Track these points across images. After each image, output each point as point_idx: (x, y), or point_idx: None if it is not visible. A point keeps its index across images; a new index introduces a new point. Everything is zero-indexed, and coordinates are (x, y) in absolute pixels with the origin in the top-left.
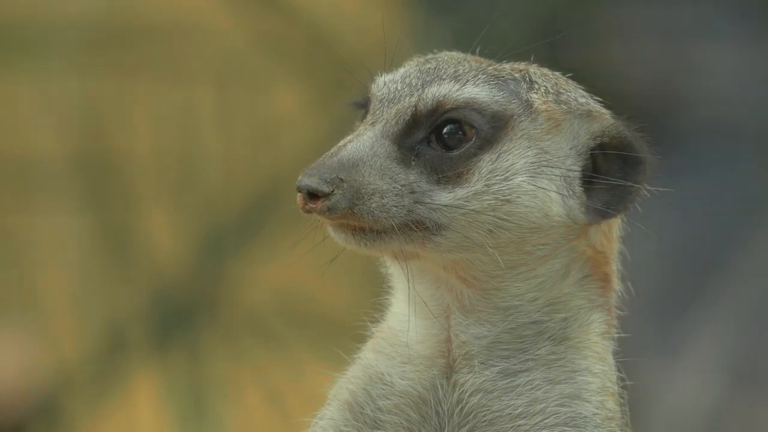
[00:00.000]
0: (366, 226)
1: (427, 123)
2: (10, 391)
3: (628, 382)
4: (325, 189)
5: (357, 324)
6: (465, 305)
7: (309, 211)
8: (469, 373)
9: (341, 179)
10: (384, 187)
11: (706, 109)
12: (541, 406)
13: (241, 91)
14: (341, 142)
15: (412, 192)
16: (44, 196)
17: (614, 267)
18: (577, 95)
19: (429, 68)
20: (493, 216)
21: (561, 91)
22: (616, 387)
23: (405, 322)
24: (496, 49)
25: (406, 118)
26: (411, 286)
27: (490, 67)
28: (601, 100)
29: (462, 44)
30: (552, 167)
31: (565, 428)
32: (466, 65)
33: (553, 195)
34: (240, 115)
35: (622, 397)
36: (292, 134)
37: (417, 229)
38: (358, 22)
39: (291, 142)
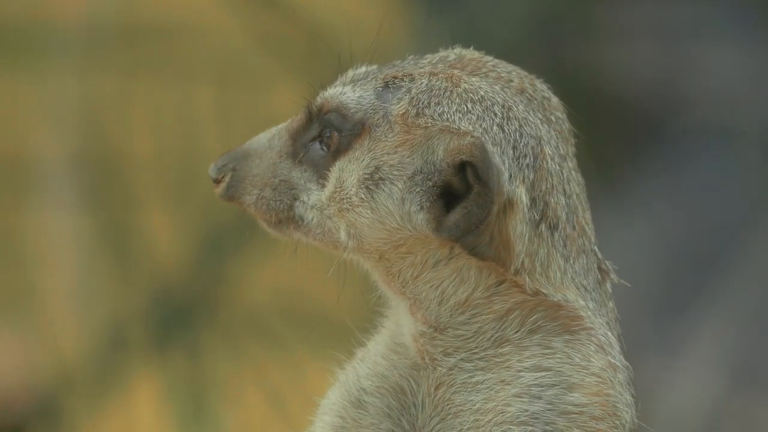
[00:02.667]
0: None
1: (317, 122)
2: (10, 391)
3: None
4: (214, 175)
5: (357, 324)
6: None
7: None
8: (437, 368)
9: (233, 168)
10: (264, 180)
11: (706, 109)
12: (493, 404)
13: (241, 91)
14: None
15: (292, 188)
16: (44, 195)
17: (524, 277)
18: (453, 110)
19: (369, 70)
20: (343, 222)
21: (434, 103)
22: (588, 379)
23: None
24: (496, 49)
25: (304, 116)
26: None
27: (394, 72)
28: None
29: (461, 44)
30: (392, 181)
31: (511, 426)
32: (388, 70)
33: (390, 207)
34: (240, 115)
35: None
36: None
37: (299, 226)
38: (358, 22)
39: None
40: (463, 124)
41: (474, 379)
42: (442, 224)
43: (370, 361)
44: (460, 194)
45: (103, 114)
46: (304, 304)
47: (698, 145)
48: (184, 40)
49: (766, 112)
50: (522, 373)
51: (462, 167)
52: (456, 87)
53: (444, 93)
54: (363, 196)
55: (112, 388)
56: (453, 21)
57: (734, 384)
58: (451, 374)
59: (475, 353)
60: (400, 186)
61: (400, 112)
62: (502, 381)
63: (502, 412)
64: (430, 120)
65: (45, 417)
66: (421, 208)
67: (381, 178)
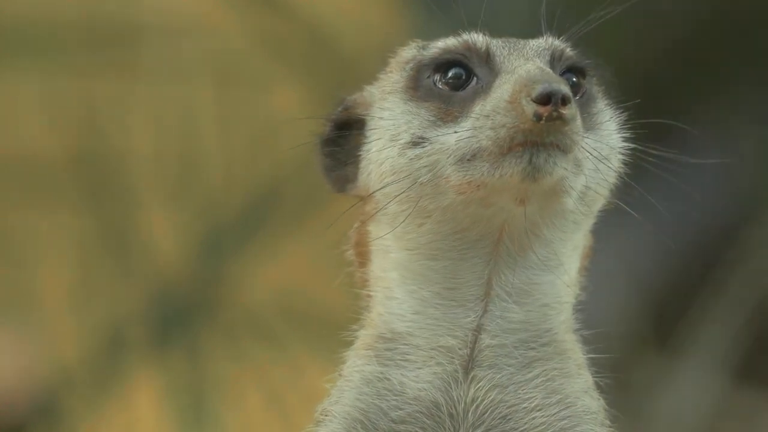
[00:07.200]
0: (564, 142)
1: (559, 66)
2: (10, 391)
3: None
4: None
5: (354, 325)
6: (511, 278)
7: (555, 118)
8: (491, 368)
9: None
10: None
11: (706, 108)
12: (558, 396)
13: (241, 91)
14: (526, 69)
15: None
16: (44, 195)
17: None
18: None
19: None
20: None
21: None
22: None
23: (412, 321)
24: None
25: (546, 58)
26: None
27: None
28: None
29: None
30: None
31: (580, 421)
32: None
33: None
34: (240, 115)
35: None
36: (292, 134)
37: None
38: (358, 22)
39: (291, 142)
40: None
41: (532, 374)
42: None
43: (395, 393)
44: None
45: (103, 114)
46: (304, 304)
47: (698, 145)
48: (184, 40)
49: (766, 112)
50: (581, 370)
51: None
52: None
53: None
54: None
55: (112, 388)
56: (453, 21)
57: (734, 384)
58: (512, 373)
59: (548, 333)
60: None
61: None
62: (566, 373)
63: (573, 405)
64: None
65: (45, 417)
66: None
67: None
